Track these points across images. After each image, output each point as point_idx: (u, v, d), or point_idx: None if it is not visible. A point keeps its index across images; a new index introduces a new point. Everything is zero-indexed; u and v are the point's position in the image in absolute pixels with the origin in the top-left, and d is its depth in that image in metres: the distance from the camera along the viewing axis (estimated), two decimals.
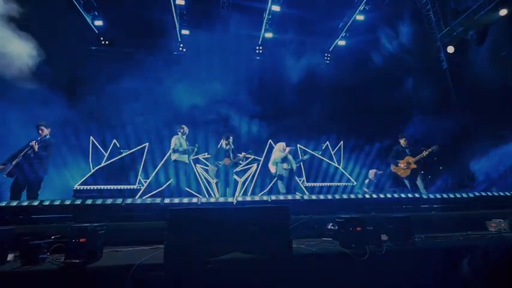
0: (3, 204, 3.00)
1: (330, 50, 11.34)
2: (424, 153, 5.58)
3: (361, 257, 2.16)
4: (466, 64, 8.60)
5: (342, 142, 9.78)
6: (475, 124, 8.28)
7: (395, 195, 3.67)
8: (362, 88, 11.16)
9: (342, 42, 10.90)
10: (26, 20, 6.66)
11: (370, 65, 10.86)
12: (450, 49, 8.75)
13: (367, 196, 3.62)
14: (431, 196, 3.82)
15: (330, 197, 3.55)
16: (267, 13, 9.25)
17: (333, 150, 9.56)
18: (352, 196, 3.64)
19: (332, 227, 2.77)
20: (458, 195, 3.89)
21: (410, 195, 3.77)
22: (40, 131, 4.39)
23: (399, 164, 5.79)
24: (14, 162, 4.09)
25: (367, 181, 7.27)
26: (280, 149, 5.71)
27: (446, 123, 8.45)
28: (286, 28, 10.19)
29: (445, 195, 3.84)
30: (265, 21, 9.56)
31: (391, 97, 10.58)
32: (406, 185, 5.77)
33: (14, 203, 3.07)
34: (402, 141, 5.96)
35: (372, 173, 7.17)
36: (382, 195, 3.64)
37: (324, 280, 2.12)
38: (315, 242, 2.65)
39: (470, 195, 3.89)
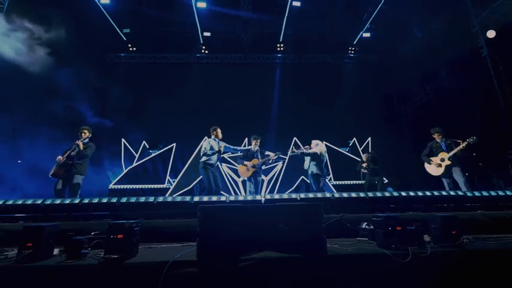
0: (49, 202, 3.23)
1: (354, 43, 10.92)
2: (461, 145, 5.10)
3: (403, 258, 2.00)
4: (509, 49, 7.80)
5: (369, 138, 9.35)
6: None
7: (436, 193, 3.39)
8: (391, 81, 10.62)
9: (366, 34, 10.44)
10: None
11: (398, 56, 10.29)
12: (491, 33, 7.96)
13: (403, 194, 3.39)
14: (476, 193, 3.49)
15: (362, 195, 3.36)
16: (287, 9, 9.10)
17: (360, 147, 9.17)
18: (387, 194, 3.43)
19: (367, 227, 2.62)
20: (508, 193, 3.51)
21: (452, 193, 3.46)
22: (83, 134, 4.70)
23: (431, 162, 5.35)
24: (60, 163, 4.41)
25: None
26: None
27: (486, 115, 7.73)
28: (307, 23, 9.97)
29: (493, 193, 3.48)
30: (285, 17, 9.42)
31: (423, 89, 9.94)
32: (445, 184, 5.32)
33: (58, 201, 3.29)
34: (436, 136, 5.52)
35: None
36: (420, 193, 3.39)
37: (363, 282, 2.00)
38: (349, 242, 2.52)
39: None
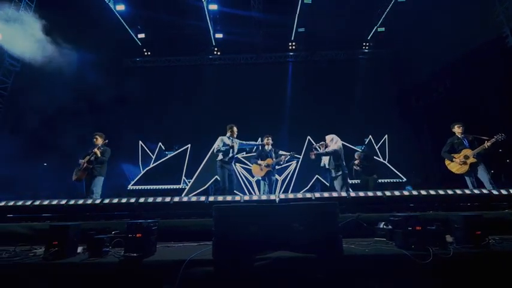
0: (72, 202, 3.39)
1: (369, 38, 10.64)
2: (486, 143, 4.79)
3: (423, 259, 1.93)
4: None
5: (386, 136, 9.08)
6: None
7: (458, 192, 3.24)
8: (408, 76, 10.26)
9: (381, 29, 10.13)
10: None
11: (415, 49, 9.91)
12: None
13: (423, 193, 3.26)
14: (503, 192, 3.30)
15: (379, 194, 3.27)
16: (298, 7, 9.01)
17: (376, 145, 8.93)
18: (406, 193, 3.31)
19: (385, 226, 2.55)
20: None
21: (476, 191, 3.30)
22: (95, 140, 4.92)
23: (454, 159, 5.05)
24: (81, 168, 4.65)
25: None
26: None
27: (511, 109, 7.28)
28: (319, 20, 9.80)
29: None
30: (297, 15, 9.32)
31: (442, 84, 9.53)
32: (468, 183, 5.04)
33: (80, 202, 3.45)
34: (458, 129, 5.19)
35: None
36: (441, 192, 3.25)
37: (380, 283, 1.95)
38: (366, 242, 2.47)
39: None
